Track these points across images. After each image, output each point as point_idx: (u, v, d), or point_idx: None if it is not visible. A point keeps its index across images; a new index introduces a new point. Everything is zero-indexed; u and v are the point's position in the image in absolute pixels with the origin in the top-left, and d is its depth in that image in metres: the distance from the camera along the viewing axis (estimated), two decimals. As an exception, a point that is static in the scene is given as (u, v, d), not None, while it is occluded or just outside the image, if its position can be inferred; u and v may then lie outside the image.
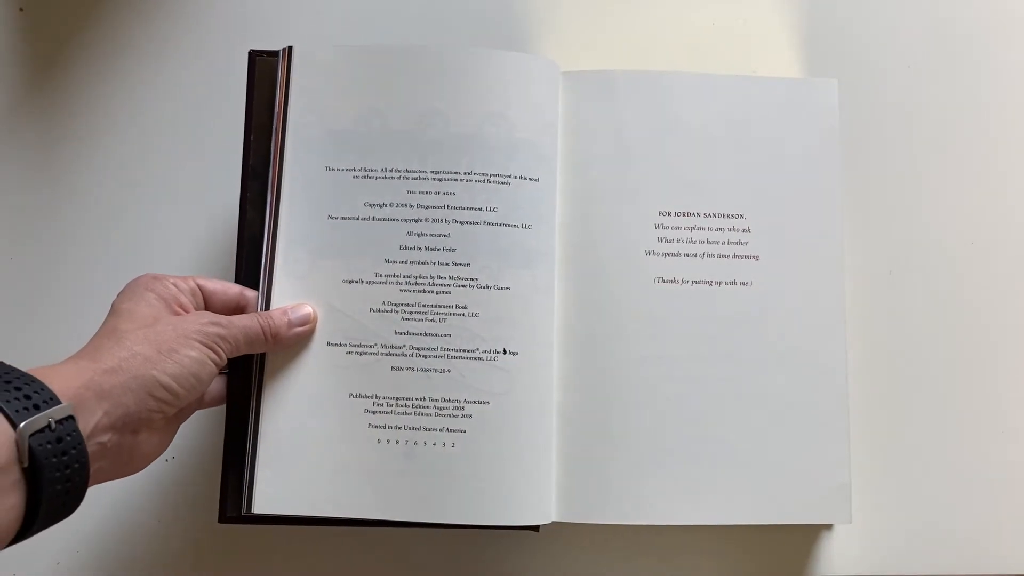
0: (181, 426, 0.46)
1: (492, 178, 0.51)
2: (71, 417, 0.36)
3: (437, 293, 0.50)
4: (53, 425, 0.35)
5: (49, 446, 0.34)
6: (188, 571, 0.55)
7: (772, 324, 0.52)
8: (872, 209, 0.59)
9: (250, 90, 0.53)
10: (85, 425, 0.37)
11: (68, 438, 0.35)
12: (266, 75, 0.53)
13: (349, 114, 0.52)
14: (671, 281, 0.53)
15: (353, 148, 0.52)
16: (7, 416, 0.34)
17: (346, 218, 0.51)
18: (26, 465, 0.34)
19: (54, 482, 0.35)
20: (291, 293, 0.50)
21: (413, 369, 0.50)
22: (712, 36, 0.62)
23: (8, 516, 0.34)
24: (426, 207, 0.51)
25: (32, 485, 0.34)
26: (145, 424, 0.41)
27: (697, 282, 0.53)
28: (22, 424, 0.34)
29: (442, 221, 0.51)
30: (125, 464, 0.41)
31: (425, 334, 0.50)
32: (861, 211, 0.59)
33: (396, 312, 0.50)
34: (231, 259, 0.52)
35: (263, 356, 0.49)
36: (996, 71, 0.61)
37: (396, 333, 0.50)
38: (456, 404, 0.49)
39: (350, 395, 0.49)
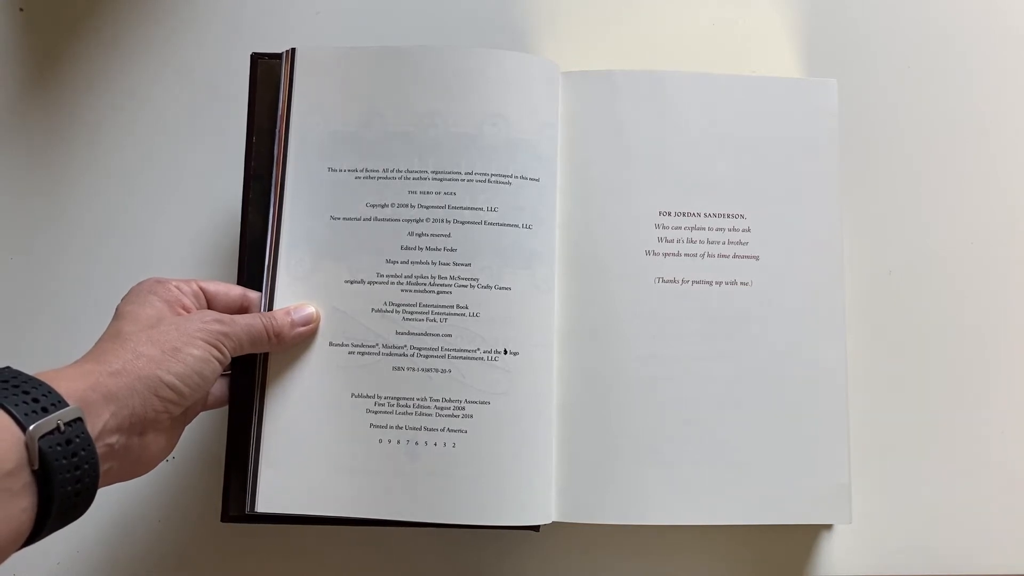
0: (182, 427, 0.46)
1: (493, 178, 0.51)
2: (79, 419, 0.36)
3: (438, 293, 0.50)
4: (62, 427, 0.35)
5: (59, 448, 0.34)
6: (190, 571, 0.55)
7: (772, 324, 0.52)
8: (872, 209, 0.59)
9: (252, 92, 0.53)
10: (93, 427, 0.37)
11: (77, 440, 0.35)
12: (268, 77, 0.53)
13: (351, 115, 0.52)
14: (671, 281, 0.53)
15: (355, 149, 0.52)
16: (16, 419, 0.34)
17: (348, 219, 0.51)
18: (36, 468, 0.34)
19: (65, 483, 0.35)
20: (293, 294, 0.50)
21: (414, 369, 0.50)
22: (712, 36, 0.62)
23: (20, 519, 0.34)
24: (427, 207, 0.51)
25: (43, 487, 0.34)
26: (151, 425, 0.41)
27: (697, 282, 0.53)
28: (31, 427, 0.34)
29: (443, 221, 0.51)
30: (132, 466, 0.41)
31: (426, 334, 0.50)
32: (861, 211, 0.59)
33: (397, 312, 0.50)
34: (233, 261, 0.52)
35: (266, 357, 0.50)
36: (995, 71, 0.61)
37: (397, 333, 0.50)
38: (457, 404, 0.49)
39: (352, 395, 0.50)
